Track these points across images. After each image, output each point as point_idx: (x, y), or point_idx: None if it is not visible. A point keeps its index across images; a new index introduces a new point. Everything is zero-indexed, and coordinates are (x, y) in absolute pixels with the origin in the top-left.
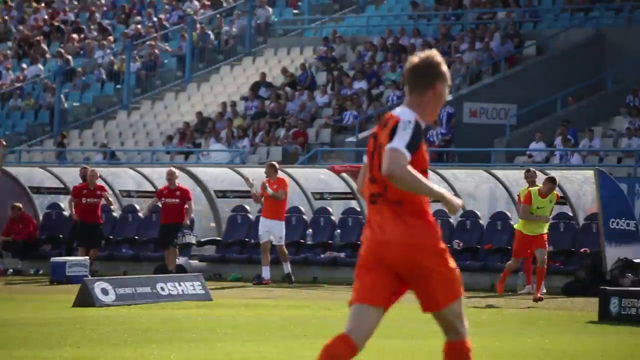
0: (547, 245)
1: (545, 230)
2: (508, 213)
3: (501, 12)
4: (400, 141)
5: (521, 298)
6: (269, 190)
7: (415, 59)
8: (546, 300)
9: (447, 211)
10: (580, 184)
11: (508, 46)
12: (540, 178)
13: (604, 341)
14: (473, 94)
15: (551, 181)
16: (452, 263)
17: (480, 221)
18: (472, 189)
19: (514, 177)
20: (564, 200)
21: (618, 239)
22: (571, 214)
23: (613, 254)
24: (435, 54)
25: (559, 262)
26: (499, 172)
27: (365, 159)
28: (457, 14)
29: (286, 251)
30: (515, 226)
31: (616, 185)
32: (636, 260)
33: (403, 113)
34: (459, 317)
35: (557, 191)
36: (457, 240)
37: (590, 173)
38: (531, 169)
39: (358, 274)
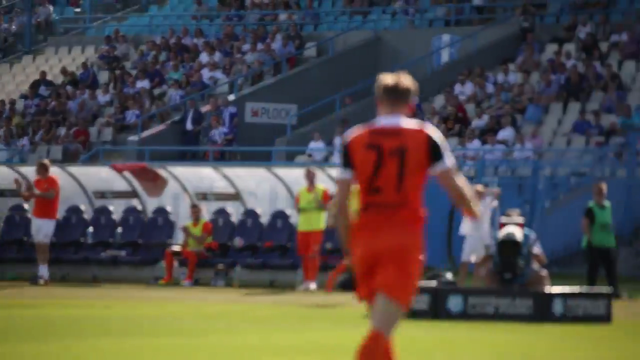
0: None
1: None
2: (288, 211)
3: (283, 13)
4: (450, 159)
5: (302, 294)
6: (36, 191)
7: (396, 79)
8: (323, 296)
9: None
10: None
11: (289, 47)
12: (320, 177)
13: None
14: (255, 94)
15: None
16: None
17: (261, 219)
18: (253, 187)
19: (294, 175)
20: None
21: None
22: None
23: None
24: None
25: (336, 258)
26: (279, 171)
27: (342, 176)
28: (240, 14)
29: (47, 252)
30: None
31: None
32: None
33: (416, 125)
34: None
35: (324, 187)
36: (239, 238)
37: None
38: (311, 168)
39: (362, 277)
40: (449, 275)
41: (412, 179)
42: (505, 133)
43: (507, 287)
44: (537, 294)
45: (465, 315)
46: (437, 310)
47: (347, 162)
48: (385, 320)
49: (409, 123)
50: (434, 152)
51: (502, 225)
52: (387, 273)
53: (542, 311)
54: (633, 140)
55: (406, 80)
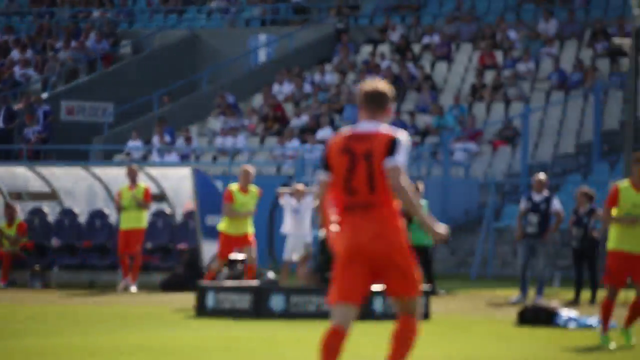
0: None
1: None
2: (107, 211)
3: (96, 11)
4: (401, 158)
5: (121, 295)
6: None
7: (375, 85)
8: (144, 297)
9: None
10: (177, 182)
11: (104, 45)
12: (141, 176)
13: (201, 335)
14: (70, 92)
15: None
16: (414, 260)
17: (79, 219)
18: (70, 186)
19: (113, 174)
20: (162, 196)
21: (214, 235)
22: (169, 211)
23: (210, 249)
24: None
25: (156, 258)
26: (97, 170)
27: (321, 177)
28: (52, 11)
29: None
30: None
31: (211, 183)
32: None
33: (388, 129)
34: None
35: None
36: (55, 238)
37: (187, 171)
38: (133, 166)
39: (340, 273)
40: (270, 274)
41: (382, 179)
42: (324, 132)
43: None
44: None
45: (287, 314)
46: (259, 310)
47: (325, 164)
48: (411, 309)
49: (383, 128)
50: (390, 149)
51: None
52: (389, 280)
53: (364, 309)
54: (447, 140)
55: (384, 87)
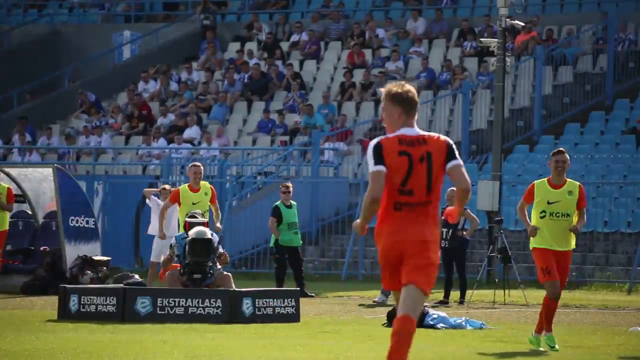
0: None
1: None
2: None
3: None
4: (460, 159)
5: None
6: None
7: (408, 88)
8: (4, 300)
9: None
10: (39, 182)
11: None
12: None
13: (64, 338)
14: None
15: None
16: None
17: None
18: None
19: None
20: (22, 198)
21: (77, 237)
22: (30, 212)
23: (73, 251)
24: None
25: (17, 261)
26: None
27: (378, 168)
28: None
29: None
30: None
31: (75, 183)
32: (95, 258)
33: (433, 134)
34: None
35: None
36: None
37: (49, 171)
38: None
39: (386, 266)
40: (136, 276)
41: (437, 180)
42: (191, 132)
43: (196, 287)
44: (226, 294)
45: (154, 317)
46: (124, 312)
47: (381, 160)
48: (413, 306)
49: (432, 133)
50: (449, 154)
51: (188, 224)
52: (411, 267)
53: (232, 311)
54: (317, 140)
55: (413, 89)
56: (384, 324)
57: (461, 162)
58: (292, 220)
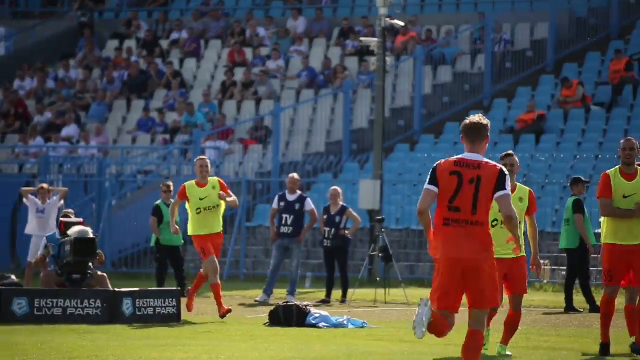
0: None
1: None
2: None
3: None
4: (509, 189)
5: None
6: None
7: (474, 119)
8: None
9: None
10: None
11: None
12: None
13: None
14: None
15: None
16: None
17: None
18: None
19: None
20: None
21: None
22: None
23: None
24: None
25: None
26: None
27: (429, 187)
28: None
29: None
30: None
31: None
32: None
33: (491, 162)
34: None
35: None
36: None
37: None
38: None
39: (440, 282)
40: (13, 277)
41: (484, 203)
42: (70, 130)
43: (75, 287)
44: (106, 294)
45: (31, 318)
46: (1, 313)
47: (434, 180)
48: (481, 322)
49: (488, 161)
50: (499, 183)
51: (63, 224)
52: (475, 291)
53: (112, 312)
54: (198, 138)
55: (482, 120)
56: (266, 323)
57: (509, 193)
58: None
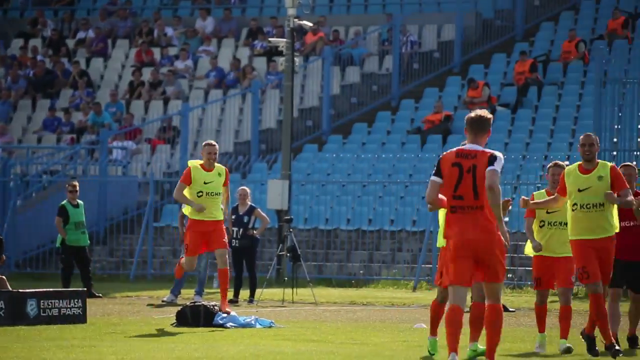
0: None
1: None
2: None
3: None
4: (497, 166)
5: None
6: None
7: (479, 113)
8: None
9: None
10: None
11: None
12: None
13: None
14: None
15: None
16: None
17: None
18: None
19: None
20: None
21: None
22: None
23: None
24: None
25: None
26: None
27: (433, 178)
28: None
29: None
30: None
31: None
32: None
33: (487, 150)
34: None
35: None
36: None
37: None
38: None
39: (453, 261)
40: None
41: (482, 188)
42: None
43: None
44: (9, 295)
45: None
46: None
47: (439, 172)
48: (497, 296)
49: (485, 149)
50: (489, 163)
51: None
52: (488, 267)
53: (16, 313)
54: (105, 138)
55: (485, 114)
56: (173, 323)
57: (496, 169)
58: (79, 219)
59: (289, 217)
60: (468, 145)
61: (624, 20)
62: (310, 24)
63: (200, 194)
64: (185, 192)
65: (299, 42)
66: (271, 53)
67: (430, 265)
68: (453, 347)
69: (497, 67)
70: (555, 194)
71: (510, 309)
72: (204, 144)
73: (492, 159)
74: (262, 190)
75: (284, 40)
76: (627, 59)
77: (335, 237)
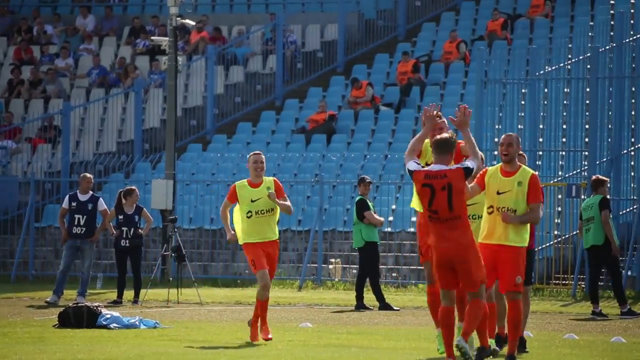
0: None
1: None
2: None
3: None
4: (473, 165)
5: None
6: None
7: (443, 136)
8: None
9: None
10: None
11: None
12: None
13: None
14: None
15: None
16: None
17: None
18: None
19: None
20: None
21: None
22: None
23: None
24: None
25: None
26: None
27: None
28: None
29: None
30: None
31: None
32: None
33: (453, 166)
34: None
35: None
36: None
37: None
38: None
39: (436, 270)
40: None
41: (457, 201)
42: None
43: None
44: None
45: None
46: None
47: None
48: (479, 294)
49: (449, 167)
50: (466, 174)
51: None
52: (465, 274)
53: None
54: None
55: (449, 137)
56: (55, 325)
57: (472, 167)
58: None
59: (173, 217)
60: (434, 167)
61: (504, 22)
62: (193, 23)
63: (250, 214)
64: (236, 211)
65: (182, 41)
66: (154, 52)
67: (316, 265)
68: (449, 352)
69: (380, 67)
70: (475, 184)
71: (395, 308)
72: (249, 155)
73: (467, 171)
74: (146, 190)
75: (167, 39)
76: (507, 59)
77: (220, 237)
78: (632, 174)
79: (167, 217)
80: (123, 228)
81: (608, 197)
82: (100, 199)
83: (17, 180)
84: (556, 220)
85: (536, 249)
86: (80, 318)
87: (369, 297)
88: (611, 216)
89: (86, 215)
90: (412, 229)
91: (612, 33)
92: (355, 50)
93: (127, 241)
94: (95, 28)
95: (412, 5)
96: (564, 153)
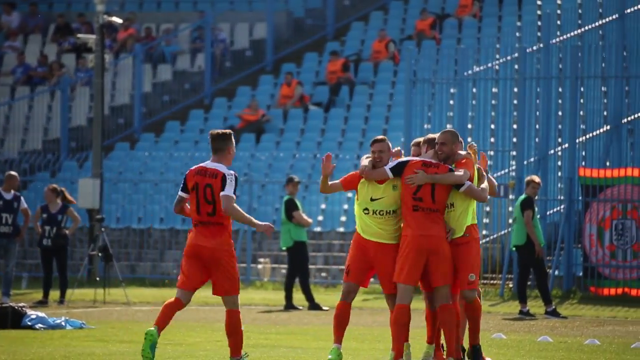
0: None
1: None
2: None
3: None
4: (230, 189)
5: None
6: None
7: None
8: None
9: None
10: None
11: None
12: None
13: None
14: None
15: None
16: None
17: None
18: None
19: None
20: None
21: None
22: None
23: None
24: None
25: None
26: None
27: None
28: None
29: None
30: None
31: None
32: None
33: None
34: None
35: None
36: None
37: None
38: None
39: (410, 260)
40: None
41: (440, 195)
42: None
43: None
44: None
45: None
46: None
47: (398, 172)
48: (447, 296)
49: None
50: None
51: None
52: (439, 267)
53: None
54: None
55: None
56: None
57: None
58: None
59: (100, 216)
60: (428, 158)
61: (432, 21)
62: (120, 21)
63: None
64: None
65: (109, 38)
66: (80, 49)
67: (245, 265)
68: (399, 350)
69: (309, 66)
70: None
71: (324, 308)
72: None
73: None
74: (72, 189)
75: (93, 36)
76: (436, 59)
77: (148, 237)
78: (559, 174)
79: (94, 216)
80: (46, 227)
81: (535, 197)
82: (22, 197)
83: None
84: (484, 220)
85: None
86: (4, 318)
87: (298, 297)
88: (538, 216)
89: (13, 213)
90: (341, 229)
91: (539, 34)
92: (284, 49)
93: (49, 240)
94: (20, 25)
95: (340, 4)
96: (492, 153)
